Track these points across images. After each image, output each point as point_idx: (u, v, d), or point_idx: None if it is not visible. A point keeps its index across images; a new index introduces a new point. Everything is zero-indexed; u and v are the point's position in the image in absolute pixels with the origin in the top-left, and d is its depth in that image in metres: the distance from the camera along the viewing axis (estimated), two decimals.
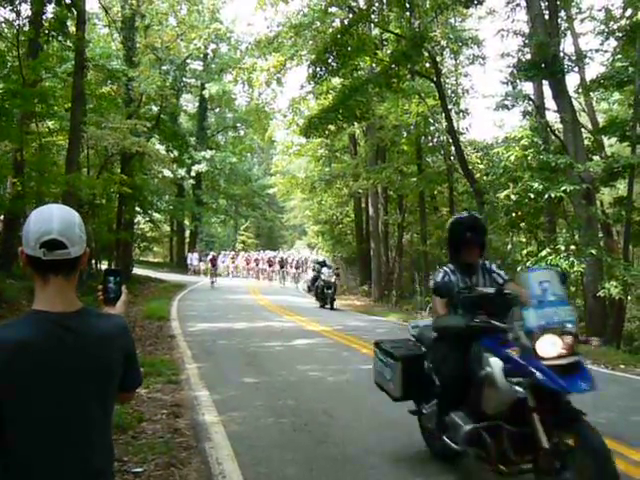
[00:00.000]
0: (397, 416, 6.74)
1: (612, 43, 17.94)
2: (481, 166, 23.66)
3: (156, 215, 42.15)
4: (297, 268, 37.61)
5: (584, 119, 20.48)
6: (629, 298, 16.67)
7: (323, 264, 23.28)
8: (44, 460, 1.79)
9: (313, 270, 24.75)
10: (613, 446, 5.39)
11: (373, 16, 20.58)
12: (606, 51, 18.17)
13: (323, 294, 21.40)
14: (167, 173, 37.18)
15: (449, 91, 24.24)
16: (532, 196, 14.73)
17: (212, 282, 30.98)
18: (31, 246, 1.83)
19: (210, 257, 35.35)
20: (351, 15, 21.24)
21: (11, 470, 1.77)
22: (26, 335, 1.79)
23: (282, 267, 36.69)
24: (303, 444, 5.78)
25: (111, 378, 1.95)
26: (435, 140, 26.67)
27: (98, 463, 1.90)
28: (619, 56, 17.52)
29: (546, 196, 14.34)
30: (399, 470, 5.04)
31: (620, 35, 16.98)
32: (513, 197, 15.85)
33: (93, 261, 23.50)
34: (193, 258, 42.11)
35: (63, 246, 1.83)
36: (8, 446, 1.76)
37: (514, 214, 16.90)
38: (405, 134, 27.40)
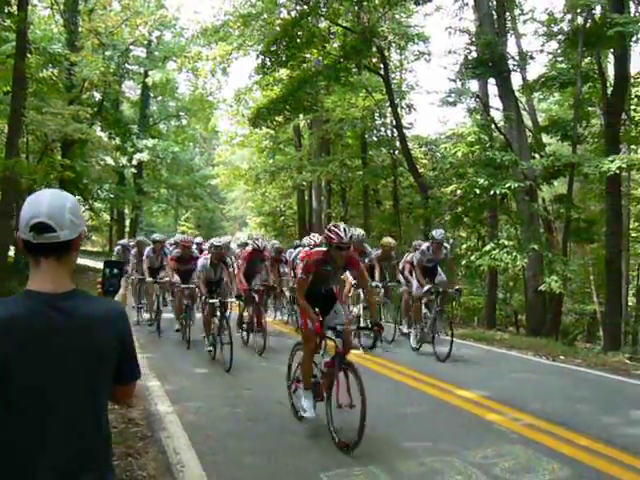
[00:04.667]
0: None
1: (553, 45, 18.40)
2: (424, 161, 23.99)
3: (96, 203, 41.23)
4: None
5: (525, 118, 20.95)
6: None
7: None
8: (26, 438, 1.77)
9: None
10: (562, 433, 5.62)
11: (323, 9, 20.63)
12: (549, 53, 18.64)
13: None
14: (109, 161, 36.43)
15: (395, 86, 24.43)
16: (478, 192, 15.04)
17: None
18: (22, 229, 1.86)
19: (176, 253, 11.63)
20: (299, 7, 21.23)
21: None
22: (14, 312, 1.80)
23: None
24: (260, 433, 5.79)
25: (100, 360, 1.91)
26: (380, 134, 26.88)
27: (86, 444, 1.88)
28: (560, 58, 18.00)
29: (491, 192, 14.67)
30: (358, 457, 5.09)
31: (562, 38, 17.43)
32: (459, 192, 16.15)
33: None
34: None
35: (51, 229, 1.84)
36: None
37: (459, 209, 17.24)
38: (350, 128, 27.54)
